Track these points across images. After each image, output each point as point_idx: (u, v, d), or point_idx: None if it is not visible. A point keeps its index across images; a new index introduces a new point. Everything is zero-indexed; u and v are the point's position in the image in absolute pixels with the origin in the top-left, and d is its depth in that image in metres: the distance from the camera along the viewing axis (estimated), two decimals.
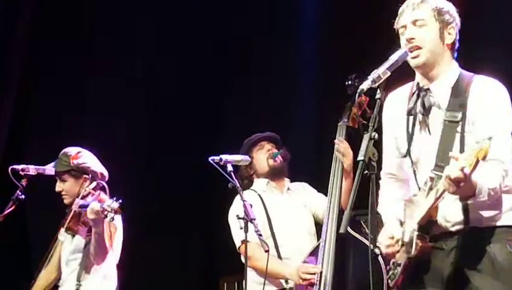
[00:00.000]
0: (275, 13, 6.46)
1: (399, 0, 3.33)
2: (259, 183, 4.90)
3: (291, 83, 6.42)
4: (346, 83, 4.35)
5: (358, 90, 3.02)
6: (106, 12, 6.45)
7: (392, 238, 3.18)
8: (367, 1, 5.53)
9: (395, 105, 3.36)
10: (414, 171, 3.27)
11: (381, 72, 3.03)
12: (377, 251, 3.20)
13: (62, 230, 4.71)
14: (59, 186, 4.68)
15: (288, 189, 4.92)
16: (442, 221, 3.11)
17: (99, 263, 4.57)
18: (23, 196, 4.69)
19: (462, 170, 2.78)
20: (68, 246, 4.64)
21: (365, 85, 3.01)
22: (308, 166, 5.46)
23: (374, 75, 3.02)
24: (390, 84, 3.22)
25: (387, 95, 3.36)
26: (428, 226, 3.09)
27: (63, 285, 4.64)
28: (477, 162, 2.77)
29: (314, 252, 4.45)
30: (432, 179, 3.08)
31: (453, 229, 3.12)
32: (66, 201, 4.69)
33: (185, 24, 6.49)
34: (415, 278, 3.17)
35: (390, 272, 3.22)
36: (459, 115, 3.12)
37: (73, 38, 6.33)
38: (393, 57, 3.13)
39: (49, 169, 4.74)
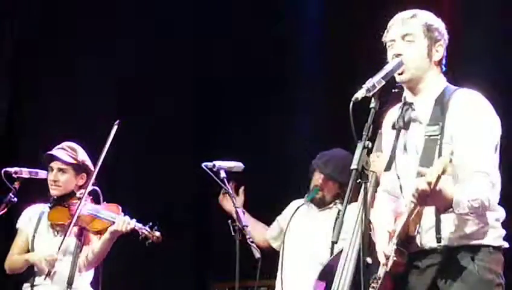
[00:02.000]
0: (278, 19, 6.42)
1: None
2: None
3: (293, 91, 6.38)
4: None
5: (353, 99, 2.99)
6: (103, 14, 6.40)
7: (386, 257, 3.18)
8: (370, 11, 5.51)
9: (389, 121, 3.36)
10: (400, 187, 3.27)
11: (376, 81, 3.01)
12: (368, 260, 3.19)
13: (32, 221, 4.68)
14: (56, 176, 4.62)
15: (335, 207, 4.79)
16: (419, 239, 3.11)
17: (88, 269, 4.58)
18: (15, 199, 4.67)
19: (429, 183, 2.80)
20: (51, 244, 4.53)
21: (359, 94, 2.99)
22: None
23: (368, 84, 3.00)
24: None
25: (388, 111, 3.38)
26: (407, 241, 3.09)
27: (48, 285, 4.53)
28: (439, 177, 2.79)
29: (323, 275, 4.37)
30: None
31: (428, 246, 3.11)
32: (54, 192, 4.63)
33: (184, 24, 6.45)
34: None
35: (372, 285, 3.21)
36: (438, 130, 3.11)
37: (65, 38, 6.29)
38: (388, 67, 3.12)
39: (42, 172, 4.72)
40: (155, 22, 6.39)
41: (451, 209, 2.95)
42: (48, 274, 4.46)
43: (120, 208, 4.60)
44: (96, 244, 4.55)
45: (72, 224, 4.44)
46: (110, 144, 4.57)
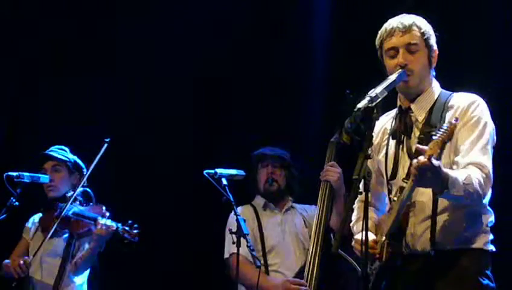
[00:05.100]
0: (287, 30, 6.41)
1: None
2: (257, 201, 4.95)
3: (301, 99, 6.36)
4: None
5: (355, 109, 3.00)
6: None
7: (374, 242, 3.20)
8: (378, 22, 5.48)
9: (378, 130, 3.39)
10: (389, 188, 3.30)
11: (379, 91, 3.02)
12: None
13: (32, 228, 4.71)
14: (51, 175, 4.70)
15: (292, 207, 4.93)
16: (410, 241, 3.14)
17: (77, 274, 4.58)
18: (17, 203, 4.68)
19: (429, 158, 2.81)
20: (42, 245, 4.57)
21: (362, 104, 2.98)
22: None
23: (371, 94, 3.01)
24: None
25: None
26: (397, 234, 3.11)
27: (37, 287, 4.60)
28: (444, 143, 2.83)
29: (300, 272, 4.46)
30: (402, 188, 3.13)
31: (421, 249, 3.13)
32: (51, 194, 4.72)
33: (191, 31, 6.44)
34: None
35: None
36: (434, 128, 3.14)
37: (70, 39, 6.29)
38: (392, 77, 3.15)
39: (44, 177, 4.74)
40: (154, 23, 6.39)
41: (446, 191, 2.94)
42: (17, 279, 4.51)
43: (104, 209, 4.62)
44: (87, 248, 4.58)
45: (55, 226, 4.49)
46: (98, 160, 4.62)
